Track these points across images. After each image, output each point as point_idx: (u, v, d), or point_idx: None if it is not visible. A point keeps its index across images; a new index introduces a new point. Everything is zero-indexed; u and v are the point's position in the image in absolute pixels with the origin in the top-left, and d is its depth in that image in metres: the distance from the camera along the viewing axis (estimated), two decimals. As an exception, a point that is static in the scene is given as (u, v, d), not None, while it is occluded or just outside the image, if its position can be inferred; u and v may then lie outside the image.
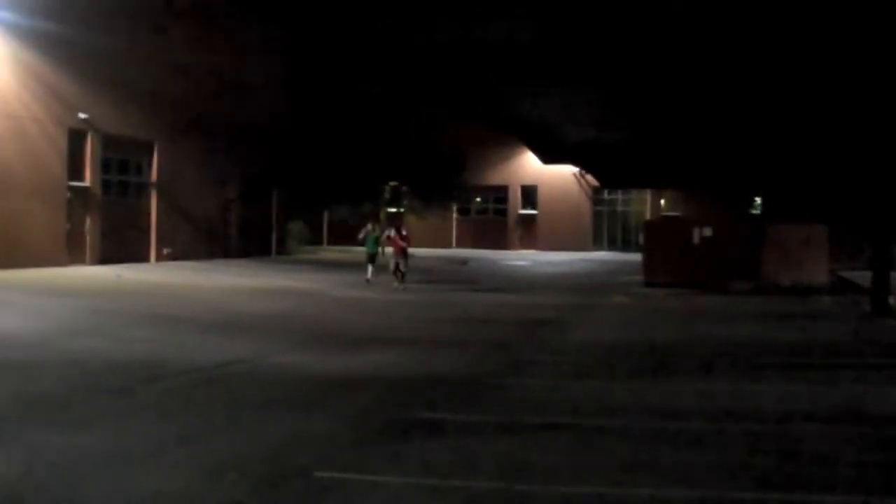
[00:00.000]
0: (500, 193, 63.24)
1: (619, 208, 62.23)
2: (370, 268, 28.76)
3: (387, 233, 28.63)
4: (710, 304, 24.79)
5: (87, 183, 30.02)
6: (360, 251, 50.72)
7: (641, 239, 34.87)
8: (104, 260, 29.97)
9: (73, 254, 28.87)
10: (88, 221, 29.94)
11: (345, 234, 57.45)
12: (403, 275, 27.26)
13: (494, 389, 11.87)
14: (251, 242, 39.84)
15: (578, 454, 8.56)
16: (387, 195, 53.05)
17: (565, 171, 59.54)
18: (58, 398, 10.45)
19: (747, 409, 10.83)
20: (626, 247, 58.24)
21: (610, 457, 8.45)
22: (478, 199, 63.62)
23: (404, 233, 28.54)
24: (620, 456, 8.47)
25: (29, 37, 26.54)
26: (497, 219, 63.67)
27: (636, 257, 36.34)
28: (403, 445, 8.77)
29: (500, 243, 61.27)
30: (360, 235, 30.48)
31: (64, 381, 11.47)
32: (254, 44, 39.05)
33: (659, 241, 31.30)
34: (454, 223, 63.44)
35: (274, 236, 42.31)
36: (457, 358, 14.47)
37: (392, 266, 27.52)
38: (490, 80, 30.57)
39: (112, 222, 31.13)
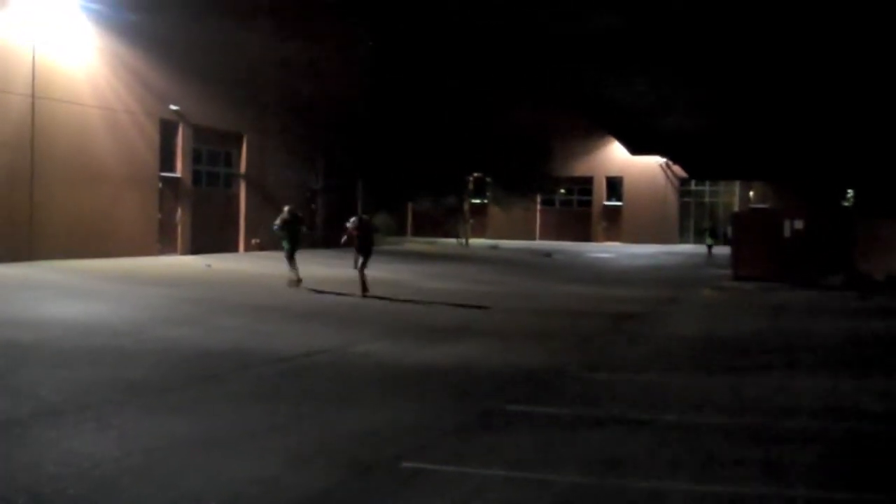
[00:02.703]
0: (585, 184, 62.88)
1: (707, 200, 61.33)
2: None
3: (348, 224, 22.25)
4: (801, 298, 24.23)
5: (178, 173, 30.64)
6: (445, 243, 51.14)
7: (730, 231, 34.27)
8: (194, 250, 30.58)
9: (164, 243, 29.49)
10: (179, 212, 30.55)
11: (429, 226, 57.79)
12: (365, 279, 21.27)
13: (581, 382, 11.79)
14: (336, 233, 40.14)
15: (667, 449, 8.45)
16: (470, 186, 53.11)
17: (651, 162, 58.90)
18: (152, 384, 10.69)
19: (840, 406, 10.56)
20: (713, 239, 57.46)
21: (698, 452, 8.31)
22: (562, 191, 63.33)
23: (373, 225, 24.21)
24: (709, 452, 8.33)
25: (122, 29, 27.14)
26: (581, 210, 63.32)
27: (725, 250, 35.76)
28: (490, 437, 8.76)
29: (584, 235, 60.97)
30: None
31: (157, 368, 11.73)
32: (340, 35, 39.38)
33: (748, 233, 30.69)
34: (538, 214, 63.25)
35: (359, 227, 42.58)
36: (542, 350, 14.41)
37: (357, 264, 21.76)
38: (579, 70, 30.30)
39: (202, 212, 31.72)
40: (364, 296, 20.72)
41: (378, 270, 28.89)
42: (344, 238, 22.59)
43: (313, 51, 36.65)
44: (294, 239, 22.65)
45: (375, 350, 13.88)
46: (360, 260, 21.43)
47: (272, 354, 13.03)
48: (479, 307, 20.45)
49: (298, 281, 22.10)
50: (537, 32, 24.49)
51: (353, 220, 22.28)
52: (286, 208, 22.98)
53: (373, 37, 41.31)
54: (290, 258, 22.51)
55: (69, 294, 18.54)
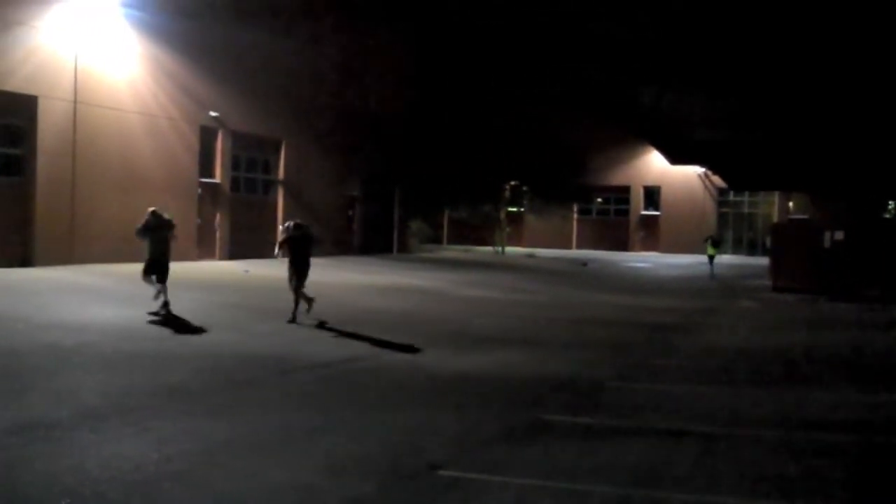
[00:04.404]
0: (622, 194, 62.63)
1: (746, 210, 60.86)
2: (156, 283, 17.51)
3: (282, 230, 18.63)
4: (841, 310, 23.97)
5: (217, 179, 30.85)
6: (481, 251, 51.14)
7: (769, 242, 33.99)
8: (233, 255, 30.76)
9: (203, 249, 29.68)
10: (218, 217, 30.75)
11: (465, 234, 57.81)
12: (300, 301, 17.42)
13: (618, 393, 11.71)
14: (373, 240, 40.30)
15: (705, 462, 8.36)
16: (507, 195, 53.09)
17: (690, 172, 58.56)
18: (192, 389, 10.76)
19: (882, 420, 10.42)
20: (752, 250, 56.96)
21: (738, 466, 8.23)
22: (599, 200, 63.11)
23: (312, 234, 18.93)
24: (749, 465, 8.25)
25: (163, 36, 27.40)
26: (618, 219, 63.10)
27: (763, 261, 35.45)
28: (528, 447, 8.72)
29: (621, 244, 60.75)
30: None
31: (197, 372, 11.80)
32: (380, 42, 39.52)
33: (787, 244, 30.44)
34: (574, 223, 63.11)
35: (395, 234, 42.70)
36: (579, 360, 14.34)
37: (291, 285, 17.49)
38: (618, 79, 30.20)
39: (241, 218, 31.90)
40: (292, 321, 16.88)
41: (413, 278, 28.96)
42: (277, 251, 18.37)
43: (353, 58, 36.82)
44: (158, 250, 17.47)
45: (413, 358, 13.88)
46: (294, 278, 17.30)
47: (310, 360, 13.07)
48: (516, 316, 20.40)
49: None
50: (577, 42, 24.43)
51: (287, 224, 18.35)
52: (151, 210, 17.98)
53: (413, 44, 41.41)
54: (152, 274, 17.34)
55: (109, 298, 18.70)
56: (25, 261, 23.45)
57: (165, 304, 16.85)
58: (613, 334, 17.90)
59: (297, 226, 18.04)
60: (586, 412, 10.42)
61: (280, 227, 17.61)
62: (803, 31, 20.71)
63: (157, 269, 17.23)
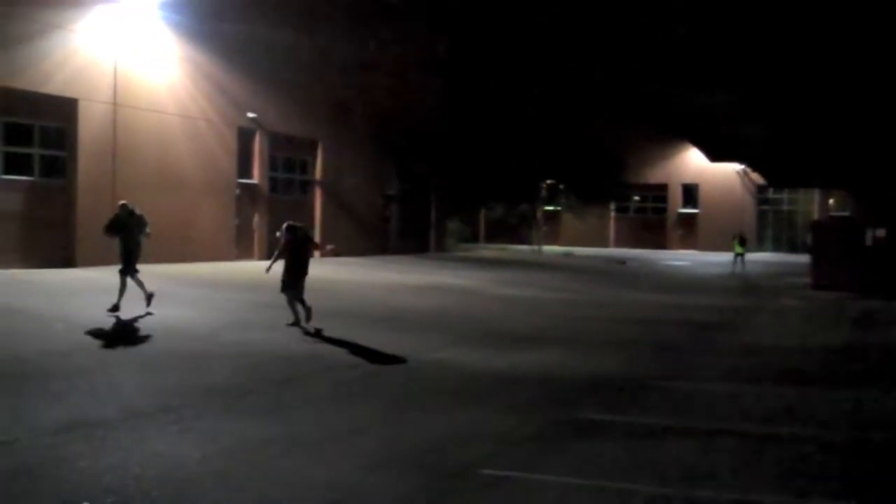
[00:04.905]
0: (660, 191, 62.28)
1: (785, 207, 60.28)
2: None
3: (279, 233, 16.67)
4: (884, 308, 23.64)
5: (255, 180, 31.03)
6: (518, 250, 51.01)
7: (809, 240, 33.60)
8: (271, 255, 30.79)
9: (241, 248, 29.87)
10: (256, 217, 30.92)
11: (501, 232, 57.72)
12: (297, 306, 16.06)
13: (659, 392, 11.61)
14: (409, 239, 40.36)
15: (748, 461, 8.27)
16: (544, 193, 52.95)
17: (728, 169, 58.10)
18: (231, 388, 10.80)
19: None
20: (792, 248, 56.40)
21: (780, 465, 8.13)
22: (636, 198, 62.77)
23: (309, 237, 17.56)
24: (791, 464, 8.15)
25: (201, 38, 27.60)
26: (656, 217, 62.76)
27: (803, 259, 35.07)
28: (569, 445, 8.66)
29: (659, 243, 60.41)
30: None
31: (236, 371, 11.85)
32: (415, 42, 39.53)
33: (828, 242, 30.06)
34: (612, 222, 62.84)
35: (432, 233, 42.71)
36: (619, 359, 14.25)
37: (284, 289, 16.06)
38: (657, 76, 29.98)
39: (278, 218, 31.96)
40: (291, 324, 15.81)
41: (450, 277, 28.94)
42: (272, 262, 16.49)
43: (389, 58, 36.85)
44: (128, 249, 16.50)
45: (453, 356, 13.85)
46: (288, 282, 15.95)
47: (348, 359, 13.08)
48: (556, 315, 20.32)
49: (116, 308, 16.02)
50: (614, 39, 24.29)
51: (284, 227, 16.60)
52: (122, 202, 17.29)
53: (449, 43, 41.37)
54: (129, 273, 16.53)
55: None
56: (67, 261, 23.73)
57: (149, 297, 16.44)
58: (653, 333, 17.78)
59: (290, 227, 16.30)
60: (627, 411, 10.34)
61: (278, 233, 16.44)
62: (846, 23, 20.44)
63: (126, 261, 16.28)
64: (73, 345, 13.08)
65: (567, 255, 48.36)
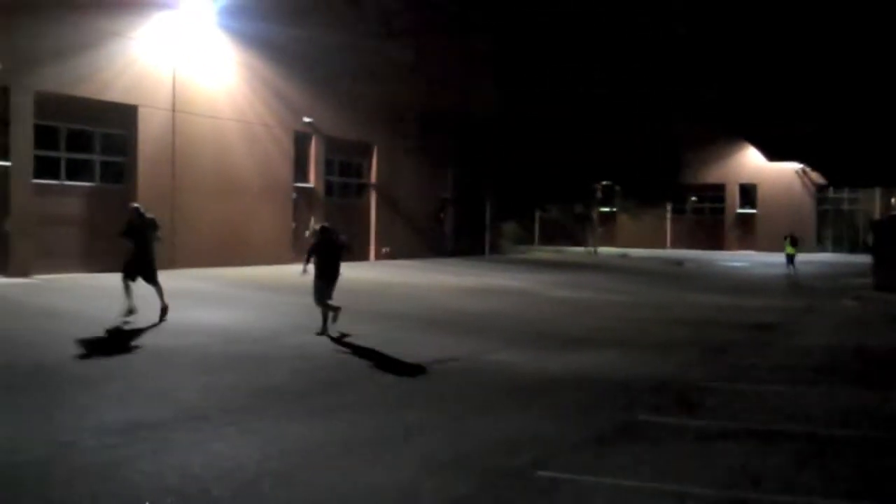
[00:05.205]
0: (717, 192, 61.60)
1: (846, 207, 59.32)
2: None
3: (308, 233, 14.57)
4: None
5: (311, 184, 31.30)
6: (573, 251, 50.83)
7: (870, 239, 33.01)
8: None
9: (297, 252, 30.08)
10: (312, 221, 31.14)
11: (556, 234, 57.55)
12: (328, 313, 15.40)
13: (716, 394, 11.50)
14: (464, 242, 40.39)
15: (804, 463, 8.18)
16: (599, 194, 52.72)
17: (787, 169, 57.33)
18: (290, 390, 10.94)
19: None
20: (852, 248, 55.48)
21: (838, 468, 8.02)
22: (693, 198, 62.18)
23: (341, 239, 16.12)
24: (850, 467, 8.04)
25: (257, 44, 27.93)
26: (713, 218, 62.09)
27: (864, 259, 34.50)
28: (626, 447, 8.64)
29: (717, 243, 59.76)
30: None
31: (294, 373, 11.99)
32: (471, 45, 39.59)
33: (889, 241, 29.51)
34: (668, 223, 62.32)
35: (487, 236, 42.71)
36: (675, 360, 14.16)
37: (316, 296, 15.38)
38: (714, 74, 29.71)
39: (334, 222, 32.17)
40: (323, 333, 15.08)
41: (505, 279, 28.94)
42: (305, 266, 15.56)
43: (442, 60, 36.96)
44: (142, 252, 15.92)
45: (506, 359, 13.87)
46: (320, 288, 15.30)
47: (406, 361, 13.15)
48: (610, 317, 20.23)
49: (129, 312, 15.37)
50: (669, 39, 24.11)
51: (316, 228, 16.08)
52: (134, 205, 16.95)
53: (503, 44, 41.37)
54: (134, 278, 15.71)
55: (209, 301, 19.13)
56: (128, 266, 24.11)
57: (164, 310, 15.64)
58: (710, 334, 17.62)
59: (323, 229, 15.82)
60: (683, 413, 10.28)
61: (307, 233, 15.41)
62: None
63: (142, 271, 15.71)
64: (134, 347, 13.32)
65: (623, 256, 48.08)
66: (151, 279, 15.87)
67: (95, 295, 19.26)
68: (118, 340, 13.82)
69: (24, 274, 21.43)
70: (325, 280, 15.27)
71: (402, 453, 8.22)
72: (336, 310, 15.40)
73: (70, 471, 7.35)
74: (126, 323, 15.00)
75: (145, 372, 11.62)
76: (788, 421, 9.90)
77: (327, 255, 15.42)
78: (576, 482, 7.44)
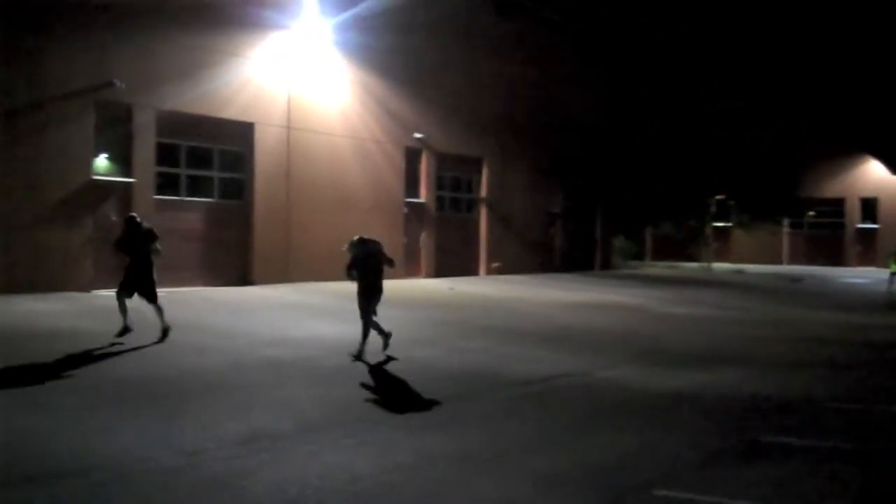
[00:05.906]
0: (837, 206, 59.83)
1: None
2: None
3: (346, 247, 14.52)
4: None
5: (422, 199, 31.55)
6: (686, 267, 50.02)
7: None
8: (437, 273, 31.36)
9: (408, 267, 30.37)
10: (423, 236, 31.42)
11: (669, 249, 56.70)
12: (368, 333, 14.34)
13: (839, 414, 11.16)
14: (575, 257, 40.12)
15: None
16: (713, 209, 51.77)
17: (911, 182, 55.43)
18: (404, 403, 11.01)
19: None
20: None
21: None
22: (811, 213, 60.51)
23: (382, 252, 14.57)
24: None
25: (369, 61, 28.36)
26: (832, 233, 60.29)
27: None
28: (744, 468, 8.43)
29: (836, 259, 58.02)
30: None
31: (406, 386, 12.06)
32: (579, 60, 39.41)
33: None
34: (785, 238, 60.78)
35: (597, 251, 42.34)
36: (796, 379, 13.78)
37: (362, 312, 14.36)
38: (835, 83, 28.93)
39: (445, 237, 32.50)
40: (357, 357, 13.83)
41: (616, 294, 28.63)
42: (349, 278, 14.46)
43: (552, 74, 36.87)
44: (138, 266, 14.54)
45: (619, 375, 13.71)
46: (364, 305, 14.30)
47: (517, 377, 13.12)
48: (725, 334, 19.82)
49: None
50: (790, 51, 23.58)
51: (354, 240, 14.60)
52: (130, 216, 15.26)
53: (615, 57, 41.06)
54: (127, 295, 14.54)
55: (322, 315, 19.41)
56: (246, 279, 24.72)
57: (165, 331, 14.61)
58: (832, 353, 17.10)
59: (361, 241, 14.52)
60: (804, 433, 9.98)
61: (344, 247, 14.47)
62: None
63: (140, 288, 14.49)
64: (255, 359, 13.60)
65: (738, 272, 47.08)
66: (150, 298, 14.60)
67: (215, 308, 19.76)
68: (236, 353, 14.11)
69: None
70: (367, 298, 14.30)
71: (517, 468, 8.19)
72: (386, 336, 14.55)
73: (196, 481, 7.53)
74: (118, 344, 13.85)
75: (265, 384, 11.84)
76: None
77: (368, 267, 14.34)
78: (693, 501, 7.30)
